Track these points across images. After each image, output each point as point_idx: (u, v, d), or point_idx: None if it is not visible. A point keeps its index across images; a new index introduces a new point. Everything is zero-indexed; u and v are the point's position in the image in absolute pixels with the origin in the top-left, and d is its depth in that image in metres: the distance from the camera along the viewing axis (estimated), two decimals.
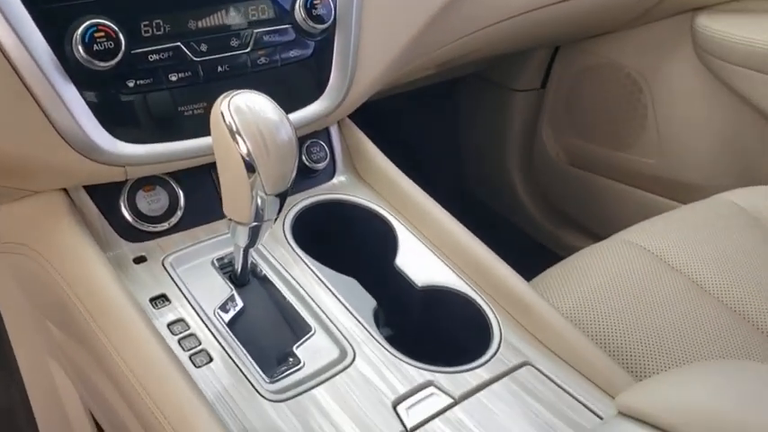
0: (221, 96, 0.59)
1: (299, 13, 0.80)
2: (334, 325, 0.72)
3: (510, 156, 1.87)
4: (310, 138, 0.90)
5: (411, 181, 0.89)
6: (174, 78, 0.73)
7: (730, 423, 0.48)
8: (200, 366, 0.66)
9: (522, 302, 0.77)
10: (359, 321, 0.73)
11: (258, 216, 0.63)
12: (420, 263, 0.82)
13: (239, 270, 0.73)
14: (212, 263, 0.77)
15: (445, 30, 1.03)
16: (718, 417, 0.48)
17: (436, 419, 0.65)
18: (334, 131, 0.92)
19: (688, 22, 1.44)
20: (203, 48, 0.74)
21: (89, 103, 0.69)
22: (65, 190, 0.74)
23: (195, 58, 0.74)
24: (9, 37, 0.63)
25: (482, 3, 1.07)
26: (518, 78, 1.76)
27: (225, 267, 0.77)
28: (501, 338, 0.74)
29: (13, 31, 0.63)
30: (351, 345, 0.70)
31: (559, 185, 1.84)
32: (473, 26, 1.10)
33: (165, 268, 0.74)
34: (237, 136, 0.58)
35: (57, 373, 0.97)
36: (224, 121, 0.58)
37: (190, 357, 0.66)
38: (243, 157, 0.58)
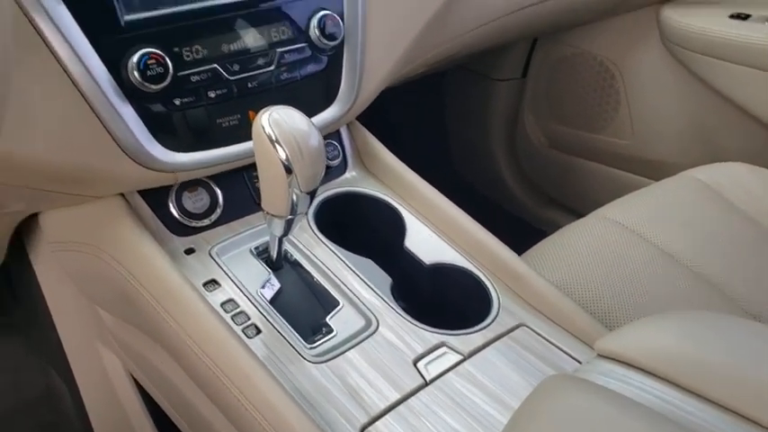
0: (260, 112, 0.70)
1: (314, 32, 0.90)
2: (358, 299, 0.84)
3: (494, 141, 1.96)
4: (325, 139, 1.01)
5: (414, 173, 1.00)
6: (212, 95, 0.84)
7: (691, 360, 0.59)
8: (251, 337, 0.77)
9: (515, 274, 0.89)
10: (378, 295, 0.85)
11: (293, 210, 0.74)
12: (426, 244, 0.94)
13: (275, 256, 0.85)
14: (250, 251, 0.88)
15: (437, 35, 1.14)
16: (680, 355, 0.60)
17: (450, 372, 0.77)
18: (344, 132, 1.03)
19: (654, 13, 1.55)
20: (235, 68, 0.85)
21: (143, 120, 0.79)
22: (122, 194, 0.85)
23: (230, 77, 0.85)
24: (76, 66, 0.74)
25: (469, 10, 1.19)
26: (500, 69, 1.85)
27: (261, 254, 0.88)
28: (499, 305, 0.87)
29: (80, 62, 0.74)
30: (374, 315, 0.82)
31: (541, 167, 1.94)
32: (462, 29, 1.22)
33: (211, 257, 0.86)
34: (277, 144, 0.68)
35: (106, 356, 1.07)
36: (264, 132, 0.69)
37: (242, 330, 0.78)
38: (282, 162, 0.69)
